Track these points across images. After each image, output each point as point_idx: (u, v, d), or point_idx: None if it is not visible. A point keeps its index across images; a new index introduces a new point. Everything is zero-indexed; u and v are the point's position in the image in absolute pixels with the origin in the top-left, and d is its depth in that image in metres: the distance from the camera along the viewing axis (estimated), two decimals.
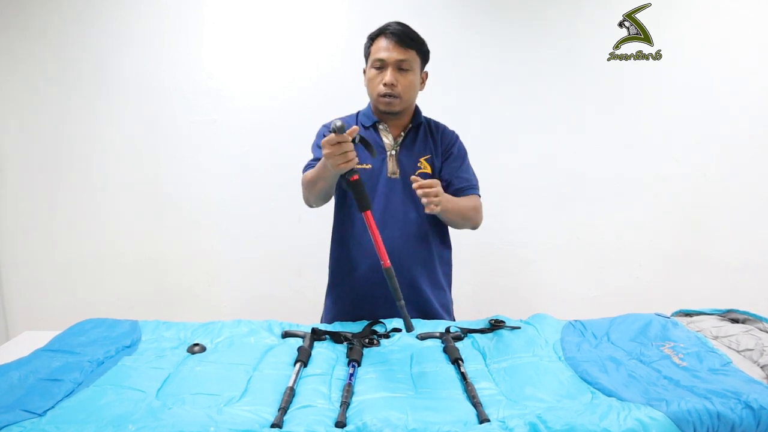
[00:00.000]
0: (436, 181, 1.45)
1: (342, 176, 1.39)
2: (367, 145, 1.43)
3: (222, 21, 2.66)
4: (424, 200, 1.40)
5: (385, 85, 1.61)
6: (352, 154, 1.34)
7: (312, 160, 1.71)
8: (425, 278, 1.73)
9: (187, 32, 2.66)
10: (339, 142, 1.32)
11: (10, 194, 2.76)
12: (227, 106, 2.71)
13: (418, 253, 1.70)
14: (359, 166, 1.69)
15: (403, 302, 1.36)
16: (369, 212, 1.37)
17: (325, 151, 1.34)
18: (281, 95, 2.70)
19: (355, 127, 1.34)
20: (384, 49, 1.60)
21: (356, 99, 1.85)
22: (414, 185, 1.42)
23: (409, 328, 1.35)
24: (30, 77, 2.67)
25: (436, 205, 1.41)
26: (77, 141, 2.72)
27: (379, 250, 1.37)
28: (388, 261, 1.37)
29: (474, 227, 1.74)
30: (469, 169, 1.76)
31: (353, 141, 1.35)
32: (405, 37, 1.60)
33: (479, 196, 1.74)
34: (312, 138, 1.79)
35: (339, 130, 1.30)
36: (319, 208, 1.75)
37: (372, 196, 1.66)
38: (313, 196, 1.65)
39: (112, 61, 2.67)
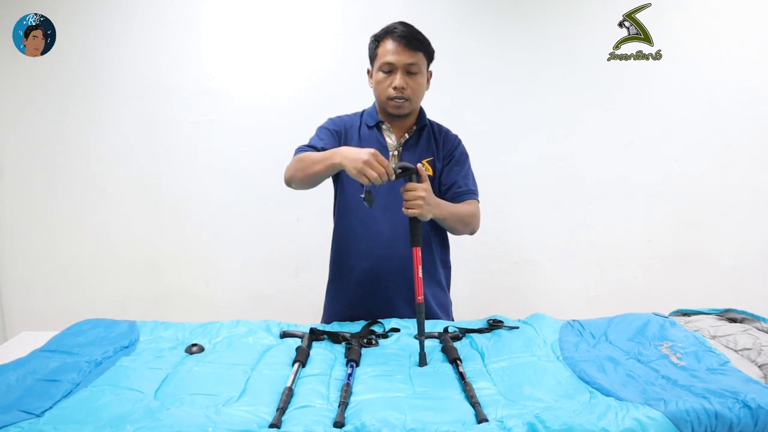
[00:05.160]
0: (425, 186, 1.43)
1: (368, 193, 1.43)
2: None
3: (221, 21, 2.65)
4: (407, 203, 1.40)
5: (395, 88, 1.60)
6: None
7: (307, 145, 1.66)
8: (426, 279, 1.72)
9: (187, 33, 2.66)
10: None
11: (9, 194, 2.75)
12: (226, 106, 2.70)
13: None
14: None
15: (424, 338, 1.37)
16: (418, 249, 1.41)
17: (410, 192, 1.40)
18: (280, 95, 2.70)
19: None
20: (392, 52, 1.59)
21: (356, 99, 1.85)
22: (402, 189, 1.42)
23: (422, 363, 1.34)
24: (29, 77, 2.67)
25: (413, 209, 1.40)
26: (76, 141, 2.72)
27: (417, 285, 1.40)
28: (422, 297, 1.40)
29: (471, 233, 1.72)
30: (469, 174, 1.75)
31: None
32: (413, 40, 1.59)
33: (477, 201, 1.73)
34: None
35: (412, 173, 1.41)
36: (318, 207, 1.75)
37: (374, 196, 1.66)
38: (303, 179, 1.57)
39: (112, 61, 2.67)
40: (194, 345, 1.42)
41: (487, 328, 1.55)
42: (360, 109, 1.80)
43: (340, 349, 1.43)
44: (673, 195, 2.80)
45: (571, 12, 2.68)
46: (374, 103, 1.75)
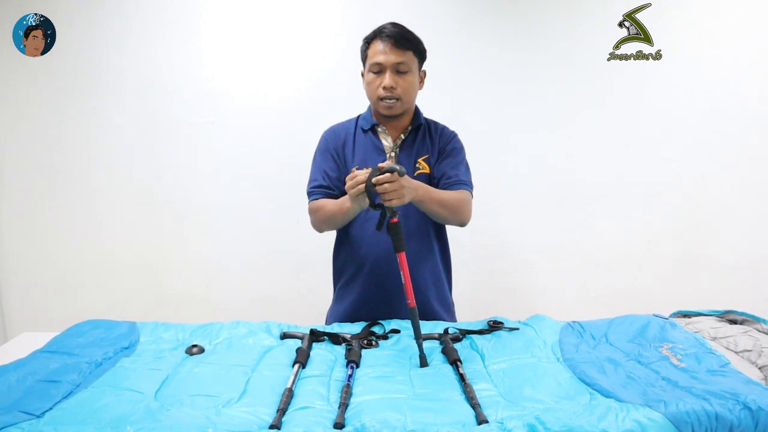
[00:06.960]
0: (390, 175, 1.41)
1: (381, 216, 1.45)
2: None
3: (221, 22, 2.65)
4: (382, 195, 1.40)
5: (384, 88, 1.60)
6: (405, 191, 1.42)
7: (314, 187, 1.69)
8: (427, 279, 1.73)
9: (187, 33, 2.66)
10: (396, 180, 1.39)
11: (9, 195, 2.75)
12: (226, 107, 2.70)
13: (419, 254, 1.70)
14: (359, 170, 1.69)
15: (422, 340, 1.38)
16: (403, 254, 1.41)
17: (382, 185, 1.39)
18: (280, 96, 2.70)
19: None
20: (380, 52, 1.59)
21: (355, 100, 1.85)
22: (373, 179, 1.40)
23: (423, 364, 1.34)
24: (29, 77, 2.66)
25: (395, 199, 1.40)
26: (75, 142, 2.72)
27: (407, 290, 1.40)
28: (414, 301, 1.40)
29: (461, 223, 1.69)
30: (461, 165, 1.72)
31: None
32: (401, 39, 1.59)
33: (470, 192, 1.70)
34: (311, 141, 1.78)
35: (400, 173, 1.41)
36: None
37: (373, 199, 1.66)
38: (326, 226, 1.70)
39: (111, 62, 2.66)
40: (194, 346, 1.42)
41: (487, 330, 1.55)
42: (359, 111, 1.80)
43: (341, 350, 1.43)
44: (673, 196, 2.80)
45: (571, 12, 2.68)
46: (369, 107, 1.75)
